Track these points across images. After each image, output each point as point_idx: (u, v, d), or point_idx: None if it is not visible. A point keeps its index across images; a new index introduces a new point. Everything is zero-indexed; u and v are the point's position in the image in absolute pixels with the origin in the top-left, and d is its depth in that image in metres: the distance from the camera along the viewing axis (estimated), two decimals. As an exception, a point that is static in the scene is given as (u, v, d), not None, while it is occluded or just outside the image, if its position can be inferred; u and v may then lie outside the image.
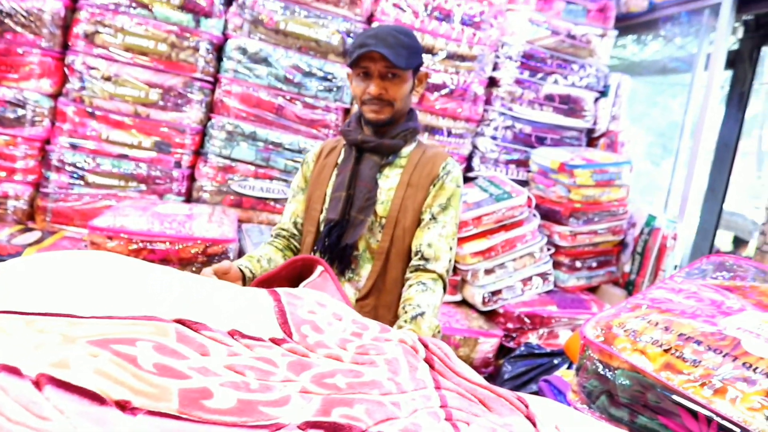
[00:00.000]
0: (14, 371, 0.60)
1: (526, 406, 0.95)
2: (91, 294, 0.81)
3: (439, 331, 1.58)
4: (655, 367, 1.32)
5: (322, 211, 1.77)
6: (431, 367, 0.97)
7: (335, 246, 1.71)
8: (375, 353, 0.93)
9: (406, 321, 1.55)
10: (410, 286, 1.64)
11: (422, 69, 1.76)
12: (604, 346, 1.47)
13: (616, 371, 1.41)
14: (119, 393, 0.63)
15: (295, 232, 1.87)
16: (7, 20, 2.71)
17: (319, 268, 1.34)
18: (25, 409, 0.57)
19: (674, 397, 1.22)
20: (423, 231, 1.70)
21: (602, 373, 1.46)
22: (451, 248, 1.70)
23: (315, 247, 1.76)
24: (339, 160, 1.80)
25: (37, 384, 0.60)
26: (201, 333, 0.81)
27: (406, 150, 1.77)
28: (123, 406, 0.62)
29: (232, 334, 0.84)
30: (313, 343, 0.91)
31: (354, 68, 1.67)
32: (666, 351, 1.34)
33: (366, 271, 1.74)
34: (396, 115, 1.70)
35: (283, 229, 1.87)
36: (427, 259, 1.67)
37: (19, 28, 2.73)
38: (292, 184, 1.94)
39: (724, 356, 1.24)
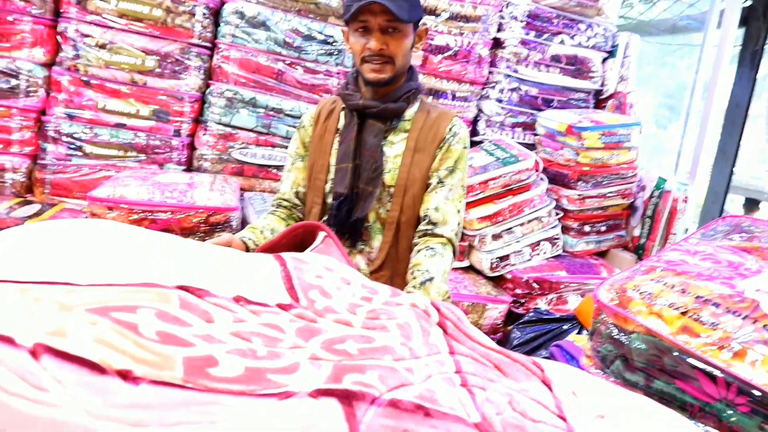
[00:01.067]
0: (8, 341, 0.56)
1: (542, 371, 0.91)
2: (90, 262, 0.76)
3: (448, 297, 1.53)
4: (672, 330, 1.28)
5: (326, 181, 1.71)
6: (444, 331, 0.94)
7: (346, 220, 1.66)
8: (386, 318, 0.89)
9: (414, 287, 1.50)
10: (418, 251, 1.60)
11: (421, 25, 1.68)
12: (619, 309, 1.44)
13: (631, 335, 1.38)
14: (120, 362, 0.59)
15: (297, 202, 1.82)
16: (-4, -13, 2.63)
17: (322, 234, 1.30)
18: (21, 380, 0.53)
19: (692, 360, 1.19)
20: (430, 195, 1.65)
21: (617, 337, 1.42)
22: (459, 211, 1.66)
23: (323, 220, 1.71)
24: (339, 125, 1.73)
25: (34, 353, 0.56)
26: (205, 299, 0.76)
27: (409, 112, 1.70)
28: (124, 375, 0.58)
29: (237, 300, 0.80)
30: (321, 309, 0.86)
31: (351, 23, 1.58)
32: (683, 314, 1.30)
33: (377, 242, 1.69)
34: (397, 74, 1.62)
35: (284, 199, 1.82)
36: (434, 224, 1.62)
37: (8, -5, 2.65)
38: (289, 149, 1.87)
39: (743, 318, 1.21)
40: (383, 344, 0.80)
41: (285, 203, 1.82)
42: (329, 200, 1.70)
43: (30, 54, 2.72)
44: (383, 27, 1.54)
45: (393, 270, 1.69)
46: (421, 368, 0.79)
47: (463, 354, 0.89)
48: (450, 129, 1.68)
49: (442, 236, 1.61)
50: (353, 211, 1.65)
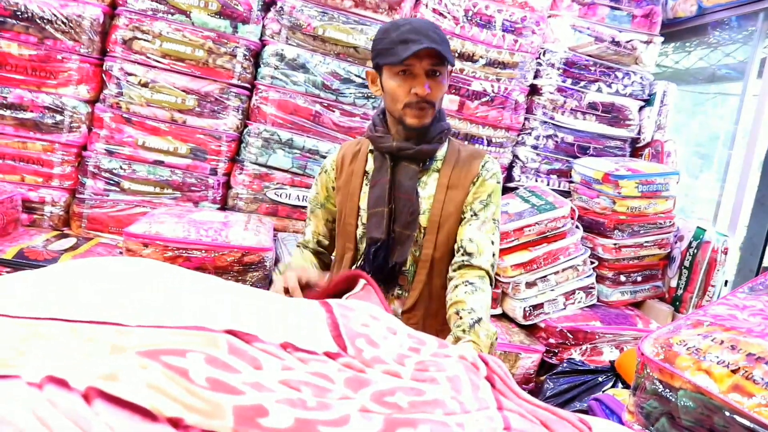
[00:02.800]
0: (62, 383, 0.55)
1: (590, 429, 0.87)
2: (137, 301, 0.75)
3: (496, 338, 1.46)
4: (722, 388, 1.23)
5: (356, 226, 1.68)
6: (492, 386, 0.90)
7: (383, 265, 1.62)
8: (435, 370, 0.86)
9: (464, 330, 1.42)
10: (456, 286, 1.53)
11: (458, 77, 1.68)
12: (665, 364, 1.38)
13: (678, 392, 1.32)
14: (171, 409, 0.56)
15: (321, 249, 1.80)
16: (47, 27, 2.71)
17: (362, 282, 1.27)
18: (74, 425, 0.51)
19: (745, 421, 1.13)
20: (464, 227, 1.61)
21: (663, 393, 1.37)
22: (493, 242, 1.60)
23: (358, 266, 1.67)
24: (368, 168, 1.69)
25: (87, 397, 0.54)
26: (253, 345, 0.74)
27: (440, 152, 1.68)
28: (176, 423, 0.55)
29: (285, 346, 0.78)
30: (369, 358, 0.84)
31: (392, 66, 1.53)
32: (734, 371, 1.25)
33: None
34: (435, 117, 1.60)
35: (309, 248, 1.80)
36: (470, 254, 1.57)
37: (59, 35, 2.73)
38: (309, 194, 1.85)
39: (799, 378, 1.15)
40: (434, 397, 0.77)
41: (309, 249, 1.81)
42: (361, 246, 1.67)
43: (75, 91, 2.79)
44: (428, 71, 1.52)
45: (426, 310, 1.64)
46: (472, 424, 0.76)
47: (511, 410, 0.85)
48: (483, 165, 1.66)
49: (479, 268, 1.55)
50: (390, 256, 1.61)
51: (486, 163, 1.67)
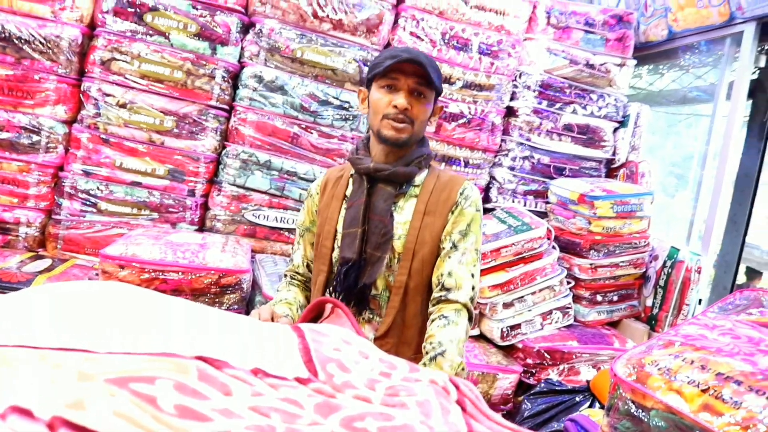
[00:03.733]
0: (26, 413, 0.55)
1: (562, 451, 0.88)
2: (108, 327, 0.75)
3: (462, 369, 1.47)
4: (693, 408, 1.25)
5: (332, 249, 1.68)
6: (463, 409, 0.91)
7: (353, 287, 1.62)
8: (405, 394, 0.86)
9: (425, 363, 1.46)
10: (432, 321, 1.55)
11: (439, 101, 1.70)
12: (637, 385, 1.40)
13: (650, 412, 1.34)
14: (137, 438, 0.57)
15: (311, 275, 1.79)
16: (24, 47, 2.70)
17: (329, 306, 1.28)
18: (35, 456, 0.51)
19: (715, 440, 1.15)
20: (443, 260, 1.60)
21: (635, 413, 1.39)
22: (473, 275, 1.60)
23: (329, 288, 1.68)
24: (347, 192, 1.71)
25: (51, 427, 0.54)
26: (223, 371, 0.74)
27: (419, 178, 1.68)
28: (142, 452, 0.56)
29: (256, 372, 0.78)
30: (340, 383, 0.84)
31: (378, 80, 1.59)
32: (704, 391, 1.27)
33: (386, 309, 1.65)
34: (412, 139, 1.62)
35: (298, 273, 1.80)
36: (448, 289, 1.57)
37: (36, 55, 2.72)
38: (298, 220, 1.86)
39: (767, 398, 1.17)
40: (403, 422, 0.78)
41: (298, 276, 1.80)
42: (336, 268, 1.67)
43: (53, 111, 2.78)
44: (411, 89, 1.56)
45: (399, 338, 1.62)
46: (442, 448, 0.76)
47: (482, 433, 0.86)
48: (461, 192, 1.65)
49: (456, 302, 1.56)
50: (360, 277, 1.61)
51: (464, 191, 1.66)
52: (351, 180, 1.72)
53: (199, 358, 0.75)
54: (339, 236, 1.67)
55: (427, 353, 1.48)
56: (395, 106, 1.56)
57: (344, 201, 1.70)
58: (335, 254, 1.67)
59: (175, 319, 0.84)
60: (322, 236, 1.71)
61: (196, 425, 0.62)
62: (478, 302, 3.00)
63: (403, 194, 1.67)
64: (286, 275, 1.83)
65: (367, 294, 1.64)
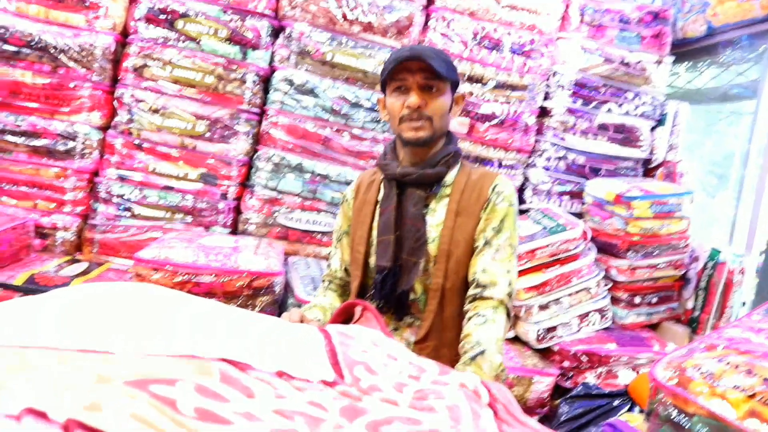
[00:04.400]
0: (41, 415, 0.54)
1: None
2: (130, 329, 0.74)
3: (503, 370, 1.43)
4: (739, 414, 1.20)
5: (365, 254, 1.66)
6: (495, 414, 0.88)
7: (391, 294, 1.59)
8: (434, 398, 0.84)
9: (465, 363, 1.40)
10: (468, 319, 1.50)
11: (458, 91, 1.65)
12: (678, 390, 1.35)
13: (692, 418, 1.29)
14: (156, 441, 0.55)
15: (349, 279, 1.77)
16: (60, 56, 2.75)
17: (359, 309, 1.26)
18: (50, 458, 0.50)
19: (763, 448, 1.10)
20: (477, 258, 1.56)
21: (676, 419, 1.34)
22: (508, 271, 1.55)
23: (366, 295, 1.66)
24: (379, 197, 1.68)
25: (67, 429, 0.53)
26: (247, 373, 0.73)
27: (449, 177, 1.64)
28: (159, 455, 0.54)
29: (280, 374, 0.76)
30: (366, 387, 0.82)
31: (389, 84, 1.57)
32: (750, 397, 1.22)
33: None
34: (435, 135, 1.58)
35: (336, 277, 1.79)
36: (483, 286, 1.52)
37: (71, 63, 2.77)
38: (335, 224, 1.85)
39: (818, 403, 1.12)
40: (431, 427, 0.75)
41: (337, 280, 1.79)
42: (370, 273, 1.66)
43: (87, 118, 2.82)
44: (421, 85, 1.52)
45: (439, 340, 1.59)
46: (472, 453, 0.73)
47: (515, 438, 0.83)
48: (493, 189, 1.61)
49: (492, 299, 1.51)
50: (398, 284, 1.59)
51: (496, 186, 1.61)
52: (382, 185, 1.69)
53: (222, 360, 0.73)
54: (372, 242, 1.65)
55: (465, 353, 1.43)
56: (408, 107, 1.53)
57: (377, 206, 1.68)
58: (371, 261, 1.66)
59: (199, 320, 0.83)
60: (355, 241, 1.70)
61: (216, 428, 0.60)
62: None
63: (434, 195, 1.63)
64: (324, 281, 1.82)
65: (405, 300, 1.61)
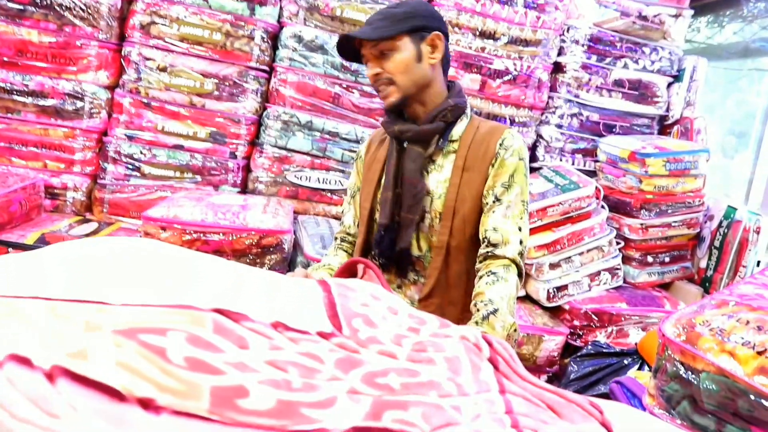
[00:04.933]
0: (25, 361, 0.53)
1: (601, 413, 0.84)
2: (127, 281, 0.73)
3: (515, 330, 1.41)
4: (747, 371, 1.18)
5: (371, 210, 1.66)
6: (495, 368, 0.87)
7: (390, 250, 1.60)
8: (433, 350, 0.83)
9: (477, 322, 1.38)
10: (480, 277, 1.49)
11: (431, 33, 1.54)
12: (687, 346, 1.34)
13: (700, 374, 1.28)
14: (143, 389, 0.55)
15: None
16: (66, 14, 2.72)
17: (361, 267, 1.25)
18: (33, 404, 0.50)
19: (771, 404, 1.09)
20: (487, 216, 1.54)
21: (684, 376, 1.32)
22: (520, 228, 1.53)
23: (370, 252, 1.66)
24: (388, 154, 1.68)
25: (50, 376, 0.52)
26: (241, 324, 0.72)
27: (456, 131, 1.60)
28: (146, 404, 0.54)
29: (276, 326, 0.75)
30: (364, 339, 0.81)
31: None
32: (760, 353, 1.20)
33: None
34: (408, 92, 1.53)
35: (348, 234, 1.78)
36: (494, 245, 1.51)
37: (77, 21, 2.74)
38: (348, 181, 1.84)
39: (829, 360, 1.10)
40: (429, 379, 0.74)
41: (349, 237, 1.79)
42: (375, 230, 1.66)
43: (95, 77, 2.80)
44: (374, 54, 1.51)
45: (443, 297, 1.59)
46: (470, 406, 0.73)
47: (515, 393, 0.82)
48: (501, 143, 1.57)
49: (503, 257, 1.50)
50: (396, 241, 1.59)
51: (504, 141, 1.57)
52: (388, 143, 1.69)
53: (217, 310, 0.72)
54: (379, 199, 1.65)
55: (478, 311, 1.41)
56: (370, 77, 1.55)
57: (385, 164, 1.67)
58: (377, 217, 1.65)
59: (197, 273, 0.82)
60: (362, 198, 1.70)
61: (206, 378, 0.59)
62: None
63: (440, 150, 1.60)
64: (336, 238, 1.82)
65: (405, 257, 1.61)
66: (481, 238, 1.55)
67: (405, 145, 1.60)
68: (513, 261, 1.50)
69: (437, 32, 1.54)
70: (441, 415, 0.67)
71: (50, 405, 0.50)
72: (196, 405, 0.56)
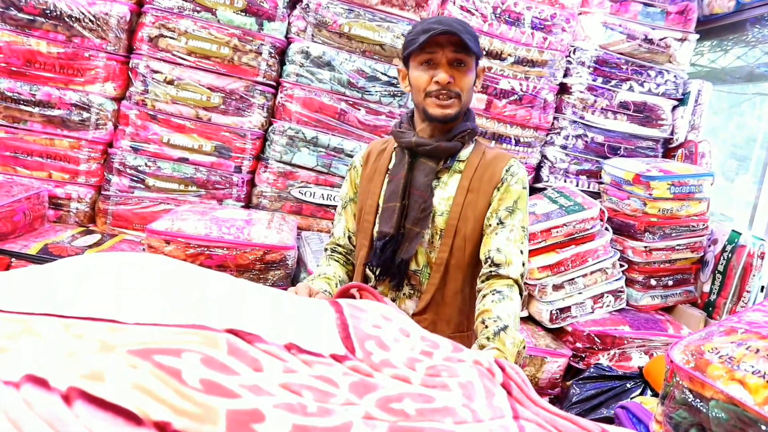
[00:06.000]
0: (42, 383, 0.52)
1: (612, 439, 0.82)
2: (138, 298, 0.72)
3: (524, 347, 1.41)
4: (758, 400, 1.17)
5: (374, 223, 1.65)
6: (509, 393, 0.85)
7: (390, 261, 1.58)
8: (447, 375, 0.82)
9: (488, 338, 1.37)
10: (484, 296, 1.48)
11: (480, 63, 1.61)
12: (696, 373, 1.32)
13: (709, 402, 1.26)
14: (159, 412, 0.53)
15: (351, 247, 1.76)
16: (75, 25, 2.72)
17: (355, 292, 1.23)
18: (50, 427, 0.49)
19: (782, 434, 1.07)
20: (490, 237, 1.55)
21: (693, 403, 1.31)
22: (522, 252, 1.55)
23: (369, 263, 1.64)
24: (390, 165, 1.67)
25: (67, 398, 0.51)
26: (255, 345, 0.71)
27: (464, 153, 1.63)
28: (162, 428, 0.52)
29: (289, 347, 0.74)
30: (378, 362, 0.80)
31: (415, 56, 1.53)
32: (770, 381, 1.19)
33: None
34: (461, 111, 1.56)
35: (339, 245, 1.77)
36: (498, 265, 1.51)
37: (86, 33, 2.75)
38: (341, 191, 1.83)
39: (840, 390, 1.09)
40: (444, 405, 0.73)
41: (339, 249, 1.77)
42: (375, 242, 1.64)
43: (102, 88, 2.81)
44: (450, 60, 1.49)
45: (436, 314, 1.60)
46: (485, 433, 0.71)
47: (528, 419, 0.81)
48: (507, 170, 1.60)
49: (507, 277, 1.50)
50: (398, 252, 1.58)
51: (510, 167, 1.61)
52: (394, 153, 1.68)
53: (230, 331, 0.71)
54: (381, 210, 1.64)
55: (486, 327, 1.40)
56: (437, 82, 1.50)
57: (386, 175, 1.67)
58: (377, 228, 1.64)
59: (209, 292, 0.81)
60: (364, 210, 1.68)
61: (221, 401, 0.58)
62: (526, 283, 2.93)
63: (447, 169, 1.62)
64: (326, 249, 1.80)
65: (403, 269, 1.60)
66: (483, 258, 1.56)
67: (417, 158, 1.60)
68: (516, 282, 1.51)
69: (484, 66, 1.60)
70: (457, 442, 0.66)
71: (67, 428, 0.49)
72: (212, 429, 0.55)
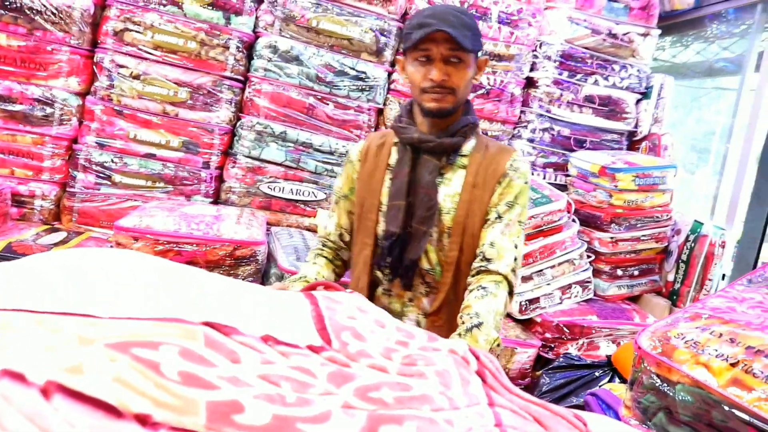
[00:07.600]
0: (19, 377, 0.52)
1: (585, 424, 0.85)
2: (113, 293, 0.72)
3: (498, 344, 1.42)
4: (721, 382, 1.20)
5: (377, 222, 1.62)
6: (483, 381, 0.87)
7: (398, 262, 1.57)
8: (424, 364, 0.83)
9: (460, 334, 1.39)
10: (470, 291, 1.49)
11: (481, 55, 1.60)
12: (662, 358, 1.36)
13: (676, 386, 1.30)
14: (139, 405, 0.53)
15: (342, 244, 1.74)
16: (36, 17, 2.66)
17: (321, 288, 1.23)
18: (29, 421, 0.48)
19: (744, 416, 1.11)
20: (486, 231, 1.55)
21: (660, 387, 1.35)
22: (516, 246, 1.55)
23: (375, 263, 1.63)
24: (391, 161, 1.64)
25: (45, 392, 0.51)
26: (231, 337, 0.71)
27: (466, 147, 1.62)
28: (143, 420, 0.52)
29: (266, 339, 0.75)
30: (354, 352, 0.81)
31: (411, 52, 1.52)
32: (733, 365, 1.22)
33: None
34: (458, 105, 1.55)
35: (329, 240, 1.74)
36: (489, 259, 1.51)
37: (48, 26, 2.69)
38: (335, 184, 1.80)
39: (800, 372, 1.13)
40: (421, 393, 0.74)
41: (330, 243, 1.75)
42: (381, 241, 1.62)
43: (65, 83, 2.75)
44: (445, 57, 1.48)
45: (451, 313, 1.57)
46: (461, 420, 0.73)
47: (503, 406, 0.82)
48: (511, 164, 1.59)
49: (496, 273, 1.50)
50: (406, 252, 1.57)
51: (513, 162, 1.60)
52: (394, 149, 1.66)
53: (207, 323, 0.72)
54: (383, 208, 1.62)
55: (462, 323, 1.41)
56: (431, 80, 1.49)
57: (387, 170, 1.65)
58: (380, 227, 1.62)
59: (185, 285, 0.81)
60: (365, 208, 1.66)
61: (201, 393, 0.58)
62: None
63: (450, 165, 1.61)
64: (318, 241, 1.78)
65: (412, 269, 1.59)
66: (477, 252, 1.56)
67: (420, 154, 1.59)
68: (505, 277, 1.51)
69: (486, 57, 1.57)
70: (435, 428, 0.67)
71: (47, 422, 0.49)
72: (192, 421, 0.55)
